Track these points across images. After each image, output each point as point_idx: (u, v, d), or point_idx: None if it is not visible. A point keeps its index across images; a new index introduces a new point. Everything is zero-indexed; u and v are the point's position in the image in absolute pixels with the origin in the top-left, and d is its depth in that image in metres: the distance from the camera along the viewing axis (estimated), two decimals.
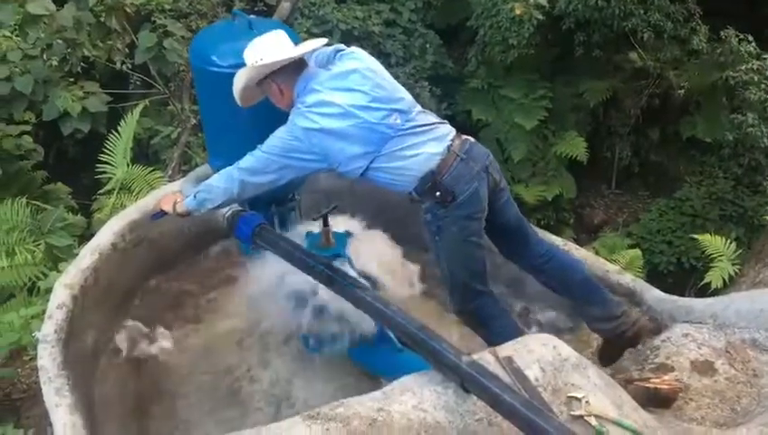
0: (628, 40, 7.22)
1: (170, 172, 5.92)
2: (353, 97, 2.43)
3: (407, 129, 2.45)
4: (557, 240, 3.21)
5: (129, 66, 5.90)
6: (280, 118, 2.85)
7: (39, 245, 4.03)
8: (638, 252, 5.30)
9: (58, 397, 2.66)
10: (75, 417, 2.61)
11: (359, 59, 2.53)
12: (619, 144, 7.50)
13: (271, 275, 3.01)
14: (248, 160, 2.52)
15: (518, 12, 5.89)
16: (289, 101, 2.54)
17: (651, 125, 7.48)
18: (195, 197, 2.63)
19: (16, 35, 5.43)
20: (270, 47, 2.49)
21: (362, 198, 3.57)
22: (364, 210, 3.40)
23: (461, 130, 2.64)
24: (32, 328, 3.49)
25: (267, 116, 2.84)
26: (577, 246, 3.14)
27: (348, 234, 3.06)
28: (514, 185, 6.86)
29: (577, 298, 2.73)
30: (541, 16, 6.16)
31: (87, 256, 3.14)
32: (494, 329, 2.54)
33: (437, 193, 2.43)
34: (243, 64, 2.73)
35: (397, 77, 2.81)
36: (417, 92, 6.57)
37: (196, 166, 6.23)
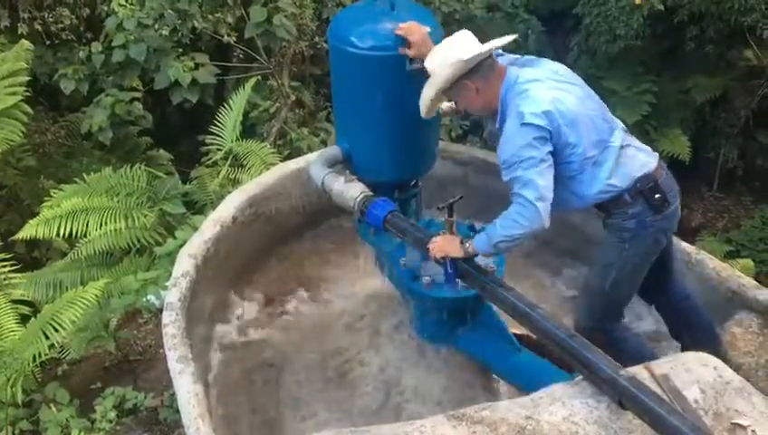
0: (744, 36, 6.83)
1: (267, 146, 6.00)
2: (572, 88, 2.37)
3: (619, 126, 2.42)
4: (688, 248, 3.07)
5: (235, 39, 5.96)
6: (413, 104, 2.81)
7: (152, 210, 4.15)
8: (749, 262, 5.03)
9: (181, 364, 2.72)
10: (198, 386, 2.66)
11: (553, 62, 2.49)
12: (724, 145, 7.14)
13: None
14: (530, 190, 2.26)
15: (637, 1, 5.63)
16: (486, 101, 2.42)
17: (761, 127, 7.08)
18: (491, 243, 2.38)
19: (131, 4, 5.56)
20: (465, 44, 2.38)
21: (474, 190, 3.52)
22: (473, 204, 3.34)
23: None
24: (147, 292, 3.60)
25: (401, 101, 2.81)
26: (711, 256, 2.97)
27: (471, 227, 3.00)
28: None
29: (698, 340, 2.62)
30: (661, 6, 5.88)
31: (210, 227, 3.20)
32: (628, 348, 2.47)
33: (656, 195, 2.36)
34: (380, 47, 2.71)
35: None
36: None
37: (292, 141, 6.29)
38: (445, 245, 2.48)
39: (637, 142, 2.47)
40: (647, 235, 2.40)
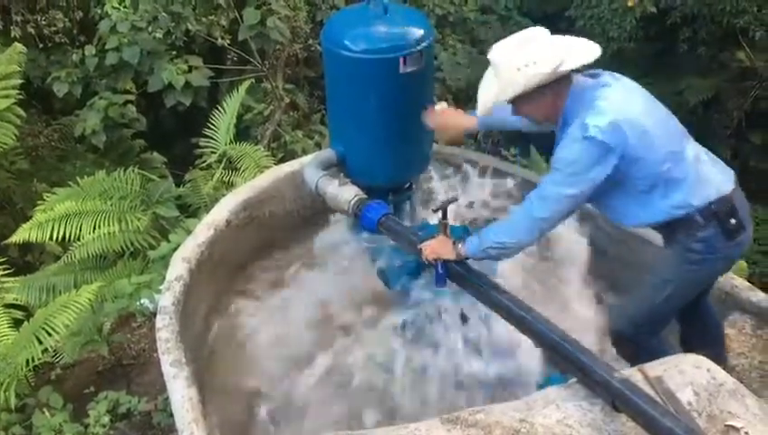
0: (736, 38, 6.89)
1: (261, 149, 6.00)
2: (638, 96, 2.23)
3: (689, 136, 2.28)
4: None
5: (228, 42, 5.96)
6: (407, 107, 2.82)
7: (146, 213, 4.15)
8: (742, 263, 5.01)
9: (176, 368, 2.70)
10: (192, 390, 2.65)
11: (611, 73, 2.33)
12: (717, 146, 7.17)
13: None
14: (542, 207, 2.17)
15: (630, 3, 5.66)
16: (554, 110, 2.24)
17: (754, 129, 7.14)
18: (481, 247, 2.30)
19: (124, 7, 5.56)
20: (551, 49, 2.14)
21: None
22: None
23: None
24: (140, 295, 3.59)
25: (395, 103, 2.82)
26: None
27: (465, 229, 3.00)
28: None
29: (706, 342, 2.56)
30: (654, 8, 5.92)
31: (203, 230, 3.19)
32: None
33: (732, 220, 2.17)
34: (373, 50, 2.71)
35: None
36: None
37: (286, 144, 6.29)
38: (437, 247, 2.44)
39: (710, 156, 2.30)
40: (715, 259, 2.25)
